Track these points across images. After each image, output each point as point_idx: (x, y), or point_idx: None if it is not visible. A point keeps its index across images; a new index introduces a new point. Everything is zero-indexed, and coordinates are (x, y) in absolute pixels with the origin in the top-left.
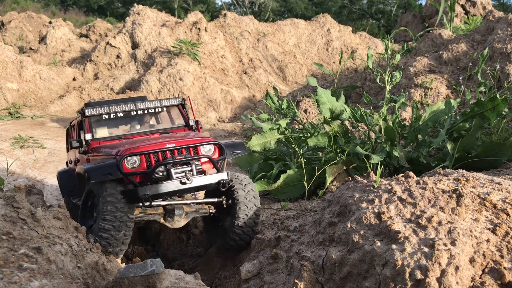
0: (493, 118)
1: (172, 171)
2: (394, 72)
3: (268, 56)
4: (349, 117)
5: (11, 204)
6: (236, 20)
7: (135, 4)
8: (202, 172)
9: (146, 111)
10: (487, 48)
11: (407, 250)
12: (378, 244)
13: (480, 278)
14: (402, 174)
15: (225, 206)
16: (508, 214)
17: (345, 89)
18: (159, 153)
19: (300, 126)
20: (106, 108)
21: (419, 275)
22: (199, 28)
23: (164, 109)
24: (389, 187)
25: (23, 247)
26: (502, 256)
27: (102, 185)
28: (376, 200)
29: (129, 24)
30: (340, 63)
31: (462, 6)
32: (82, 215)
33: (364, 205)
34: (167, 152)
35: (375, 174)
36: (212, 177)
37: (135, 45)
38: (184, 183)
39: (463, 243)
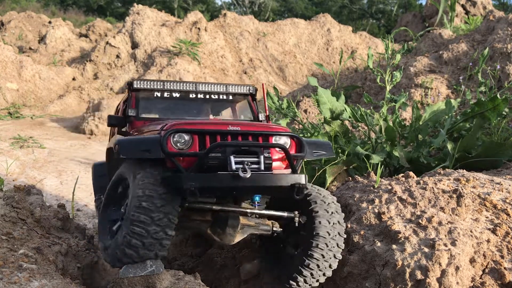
0: (493, 118)
1: (232, 158)
2: (394, 72)
3: (268, 56)
4: (349, 117)
5: (11, 204)
6: (236, 20)
7: (135, 4)
8: (270, 169)
9: (208, 96)
10: (487, 48)
11: (407, 250)
12: (378, 244)
13: (480, 278)
14: (402, 174)
15: (297, 225)
16: (508, 214)
17: (345, 89)
18: (218, 135)
19: (300, 126)
20: (160, 83)
21: (419, 275)
22: (199, 28)
23: (230, 97)
24: (389, 187)
25: (23, 247)
26: (502, 256)
27: (137, 164)
28: (376, 200)
29: (128, 24)
30: (340, 63)
31: (463, 6)
32: (106, 205)
33: (364, 205)
34: (229, 136)
35: (375, 174)
36: (284, 178)
37: (134, 45)
38: (243, 176)
39: (464, 243)
